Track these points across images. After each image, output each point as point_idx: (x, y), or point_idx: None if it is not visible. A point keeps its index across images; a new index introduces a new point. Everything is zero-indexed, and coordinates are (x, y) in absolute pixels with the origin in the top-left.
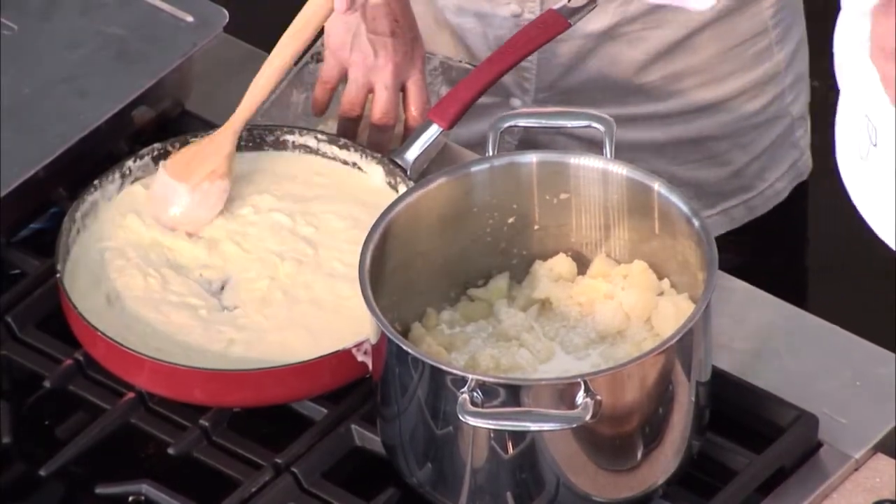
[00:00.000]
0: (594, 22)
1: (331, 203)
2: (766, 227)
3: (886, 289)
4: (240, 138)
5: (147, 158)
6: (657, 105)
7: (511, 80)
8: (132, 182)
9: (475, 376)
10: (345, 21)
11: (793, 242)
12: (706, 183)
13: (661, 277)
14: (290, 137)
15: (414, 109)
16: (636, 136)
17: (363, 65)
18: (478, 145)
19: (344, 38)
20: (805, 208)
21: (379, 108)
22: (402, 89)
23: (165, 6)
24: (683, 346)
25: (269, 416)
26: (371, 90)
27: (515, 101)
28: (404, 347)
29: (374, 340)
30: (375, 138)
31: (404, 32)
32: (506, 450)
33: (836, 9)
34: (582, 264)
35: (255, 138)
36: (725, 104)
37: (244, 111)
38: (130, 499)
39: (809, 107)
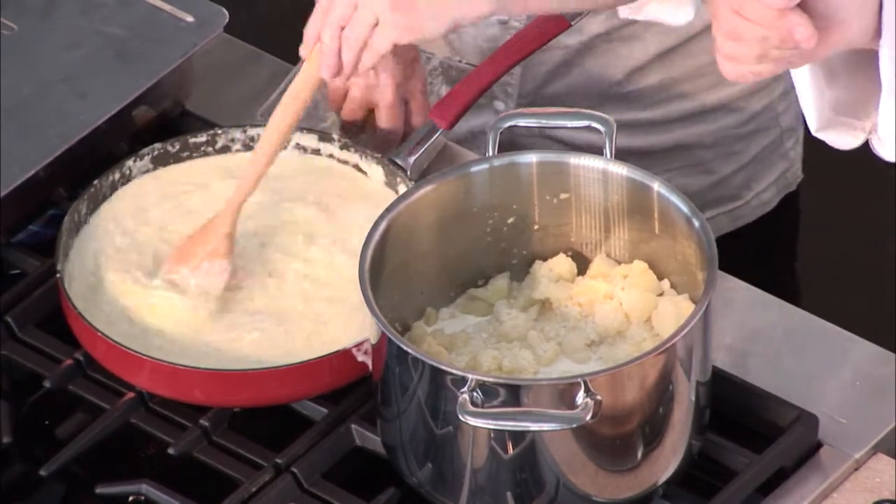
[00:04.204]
0: (574, 35)
1: (330, 203)
2: (755, 235)
3: (886, 289)
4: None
5: (147, 158)
6: (640, 113)
7: (496, 85)
8: (131, 182)
9: (475, 376)
10: None
11: (783, 249)
12: (688, 190)
13: (661, 277)
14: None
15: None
16: (618, 142)
17: (364, 84)
18: (465, 141)
19: None
20: (797, 214)
21: (384, 124)
22: (405, 104)
23: (165, 6)
24: (683, 346)
25: (269, 416)
26: (371, 108)
27: (499, 105)
28: (404, 347)
29: (374, 340)
30: (381, 148)
31: (404, 51)
32: (506, 450)
33: None
34: (582, 264)
35: (255, 139)
36: (711, 114)
37: (242, 191)
38: (130, 499)
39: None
